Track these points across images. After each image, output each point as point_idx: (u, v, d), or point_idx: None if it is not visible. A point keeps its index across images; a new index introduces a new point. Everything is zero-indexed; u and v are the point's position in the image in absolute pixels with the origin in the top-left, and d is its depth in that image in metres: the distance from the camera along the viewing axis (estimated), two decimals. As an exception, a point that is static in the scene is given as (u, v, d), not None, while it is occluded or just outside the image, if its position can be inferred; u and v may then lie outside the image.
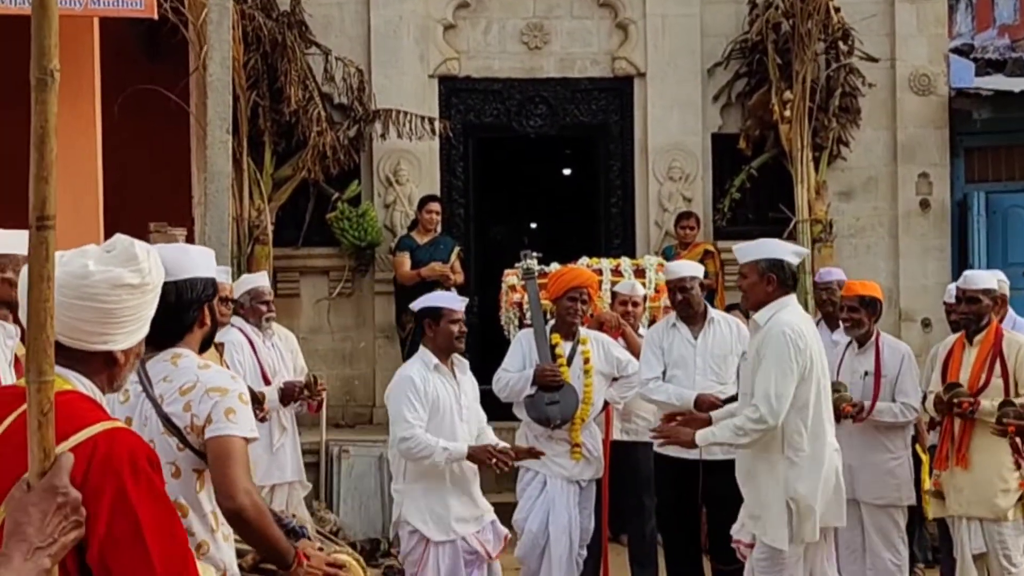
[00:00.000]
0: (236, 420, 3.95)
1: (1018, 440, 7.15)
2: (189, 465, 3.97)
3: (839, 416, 8.34)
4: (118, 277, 2.93)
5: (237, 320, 8.68)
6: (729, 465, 8.13)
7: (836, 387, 8.37)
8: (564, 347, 8.31)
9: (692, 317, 8.45)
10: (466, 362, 7.45)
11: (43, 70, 2.32)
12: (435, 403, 7.11)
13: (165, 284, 3.80)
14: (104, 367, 2.97)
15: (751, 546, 6.97)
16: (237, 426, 3.95)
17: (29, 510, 2.40)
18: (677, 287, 8.47)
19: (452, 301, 7.37)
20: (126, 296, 2.95)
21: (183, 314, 4.09)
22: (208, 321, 4.18)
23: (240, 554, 4.13)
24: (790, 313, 6.77)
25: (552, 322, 8.51)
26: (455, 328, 7.19)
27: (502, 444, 7.40)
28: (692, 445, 7.05)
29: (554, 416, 8.13)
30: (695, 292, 8.46)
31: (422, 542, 7.12)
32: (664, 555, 9.04)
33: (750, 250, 6.92)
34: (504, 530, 7.50)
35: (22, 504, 2.42)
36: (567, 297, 8.30)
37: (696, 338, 8.40)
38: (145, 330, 3.06)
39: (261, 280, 9.14)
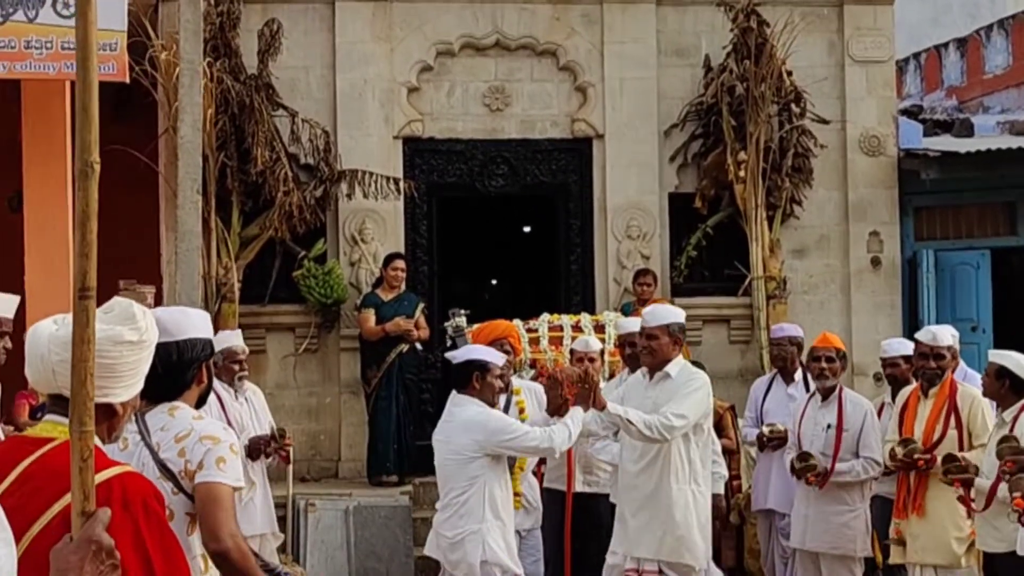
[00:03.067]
0: (225, 469, 4.20)
1: (964, 492, 7.43)
2: (182, 509, 4.22)
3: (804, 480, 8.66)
4: (119, 335, 3.24)
5: None
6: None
7: (804, 456, 8.64)
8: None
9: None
10: None
11: (84, 162, 2.68)
12: None
13: (167, 343, 4.16)
14: (104, 418, 3.25)
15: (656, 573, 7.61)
16: (225, 474, 4.19)
17: (70, 558, 2.69)
18: (626, 341, 8.82)
19: (497, 356, 7.49)
20: (126, 352, 3.26)
21: (184, 371, 4.37)
22: (205, 379, 4.45)
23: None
24: (689, 366, 7.92)
25: None
26: (499, 382, 7.41)
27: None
28: (601, 406, 7.41)
29: None
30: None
31: None
32: None
33: (657, 314, 7.80)
34: None
35: (64, 553, 2.71)
36: None
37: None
38: (140, 385, 3.36)
39: (235, 339, 9.34)
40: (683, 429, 7.52)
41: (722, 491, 9.00)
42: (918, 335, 8.72)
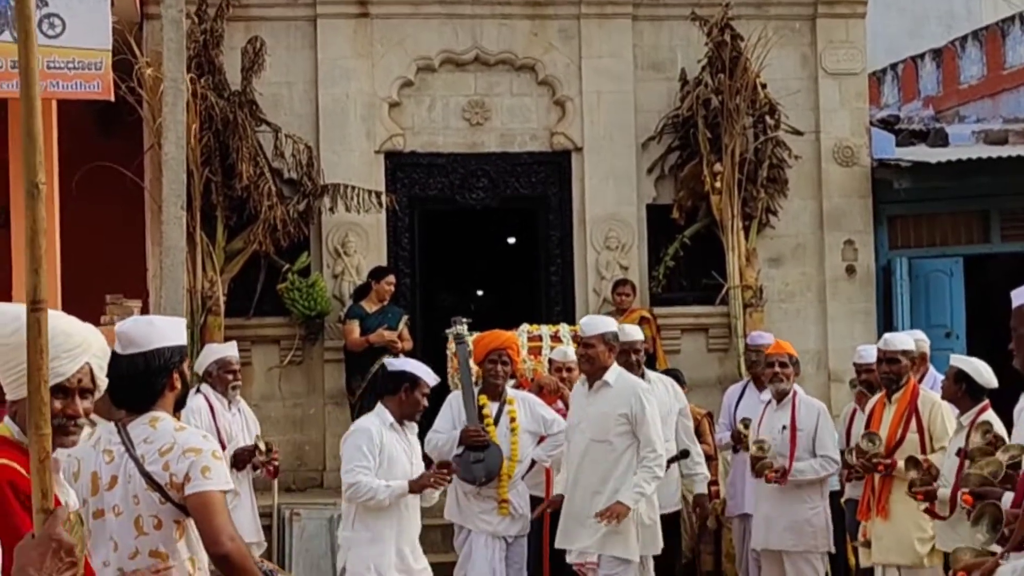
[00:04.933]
0: (211, 476, 4.40)
1: (929, 505, 7.60)
2: (170, 517, 4.44)
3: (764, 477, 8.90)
4: None
5: (204, 387, 9.09)
6: (668, 517, 8.90)
7: (760, 445, 8.93)
8: (491, 407, 8.83)
9: None
10: (415, 426, 7.86)
11: (31, 183, 2.82)
12: (390, 458, 7.48)
13: (134, 355, 4.39)
14: None
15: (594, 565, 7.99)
16: (213, 481, 4.40)
17: (31, 554, 2.88)
18: (631, 348, 9.08)
19: (429, 375, 7.74)
20: None
21: (154, 380, 4.56)
22: (178, 385, 4.64)
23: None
24: (625, 373, 8.28)
25: (479, 384, 9.03)
26: (424, 400, 7.65)
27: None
28: (627, 511, 7.86)
29: (479, 474, 8.63)
30: (642, 355, 9.24)
31: None
32: None
33: (593, 324, 8.20)
34: None
35: (26, 549, 2.90)
36: (488, 360, 8.86)
37: None
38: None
39: (229, 350, 9.50)
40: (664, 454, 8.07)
41: (705, 491, 9.31)
42: (879, 342, 8.98)
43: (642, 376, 9.09)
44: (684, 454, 9.02)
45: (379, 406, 7.66)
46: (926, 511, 7.66)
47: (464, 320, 9.48)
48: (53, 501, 2.95)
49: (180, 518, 4.44)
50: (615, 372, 8.16)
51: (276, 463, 9.36)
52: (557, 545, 8.31)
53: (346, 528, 7.61)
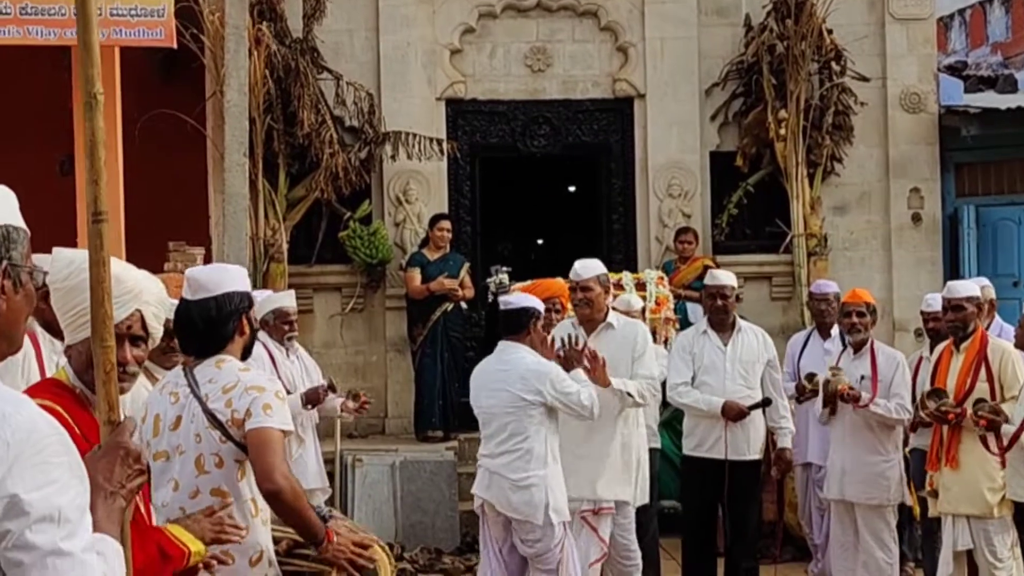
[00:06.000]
0: (272, 414, 4.39)
1: (989, 436, 7.53)
2: (231, 456, 4.43)
3: (837, 399, 8.74)
4: None
5: (262, 335, 9.08)
6: (751, 465, 8.79)
7: (834, 371, 8.82)
8: None
9: (723, 324, 8.99)
10: None
11: (89, 94, 2.79)
12: None
13: (206, 299, 4.39)
14: None
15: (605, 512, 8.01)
16: (273, 419, 4.39)
17: (100, 464, 2.85)
18: (719, 293, 9.03)
19: (540, 303, 7.68)
20: None
21: (225, 324, 4.56)
22: (247, 330, 4.64)
23: (275, 540, 4.58)
24: (623, 316, 8.44)
25: None
26: (543, 332, 7.60)
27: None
28: (607, 383, 7.71)
29: None
30: (732, 300, 9.12)
31: (562, 528, 7.41)
32: (682, 556, 9.44)
33: (588, 267, 8.09)
34: None
35: (94, 460, 2.86)
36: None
37: (726, 345, 8.96)
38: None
39: (286, 300, 9.49)
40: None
41: (788, 445, 9.24)
42: (943, 291, 8.85)
43: (733, 323, 9.05)
44: (766, 402, 8.92)
45: (517, 346, 7.40)
46: (981, 438, 7.54)
47: (504, 269, 9.42)
48: (119, 412, 2.93)
49: (242, 458, 4.43)
50: (614, 314, 8.25)
51: (367, 408, 9.60)
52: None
53: (539, 466, 7.28)
